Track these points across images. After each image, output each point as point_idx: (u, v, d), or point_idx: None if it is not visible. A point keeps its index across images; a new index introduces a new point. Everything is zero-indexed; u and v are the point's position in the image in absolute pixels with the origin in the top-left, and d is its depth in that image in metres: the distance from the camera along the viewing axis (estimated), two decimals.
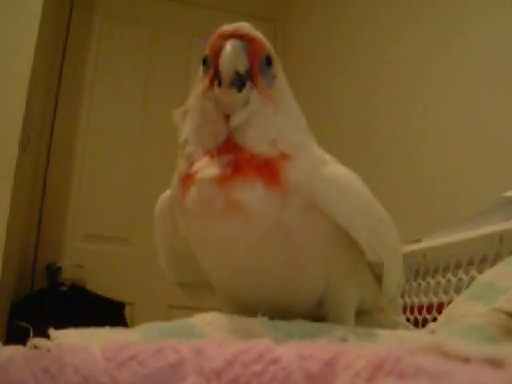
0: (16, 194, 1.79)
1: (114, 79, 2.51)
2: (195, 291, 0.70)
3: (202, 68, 0.58)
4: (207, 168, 0.52)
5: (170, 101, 2.55)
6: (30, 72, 1.82)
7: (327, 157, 0.59)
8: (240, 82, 0.52)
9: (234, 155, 0.52)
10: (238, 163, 0.52)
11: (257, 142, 0.53)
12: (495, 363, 0.24)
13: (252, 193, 0.51)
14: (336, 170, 0.57)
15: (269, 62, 0.56)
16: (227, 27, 0.54)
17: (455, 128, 1.42)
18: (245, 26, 0.54)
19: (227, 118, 0.53)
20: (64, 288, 2.16)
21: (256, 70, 0.54)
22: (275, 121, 0.55)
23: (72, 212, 2.35)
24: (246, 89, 0.53)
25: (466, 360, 0.25)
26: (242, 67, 0.52)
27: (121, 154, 2.46)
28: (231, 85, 0.52)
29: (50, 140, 2.38)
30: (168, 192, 0.62)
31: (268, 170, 0.52)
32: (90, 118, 2.46)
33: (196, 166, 0.53)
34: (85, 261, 2.27)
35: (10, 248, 1.80)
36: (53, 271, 2.22)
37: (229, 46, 0.52)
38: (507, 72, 1.26)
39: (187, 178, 0.54)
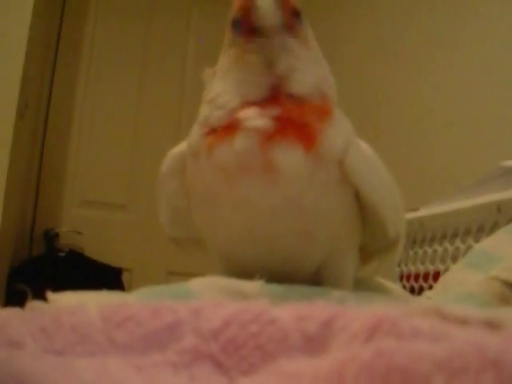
0: (13, 160, 1.79)
1: (113, 44, 2.49)
2: (188, 247, 0.70)
3: (230, 32, 0.56)
4: (254, 119, 0.51)
5: (168, 67, 2.53)
6: (27, 37, 1.81)
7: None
8: (278, 31, 0.52)
9: (280, 108, 0.51)
10: (283, 119, 0.51)
11: (306, 88, 0.52)
12: (493, 326, 0.24)
13: (291, 157, 0.51)
14: (364, 146, 0.57)
15: (298, 13, 0.55)
16: None
17: (455, 97, 1.41)
18: None
19: (269, 68, 0.52)
20: (62, 254, 2.17)
21: (291, 20, 0.54)
22: (317, 67, 0.55)
23: (70, 178, 2.35)
24: (285, 36, 0.53)
25: (463, 322, 0.25)
26: (278, 18, 0.52)
27: (119, 119, 2.44)
28: (271, 34, 0.52)
29: (48, 106, 2.36)
30: (179, 148, 0.61)
31: (307, 132, 0.52)
32: (88, 84, 2.44)
33: (240, 116, 0.52)
34: (83, 227, 2.27)
35: (7, 214, 1.80)
36: (50, 237, 2.22)
37: (261, 1, 0.51)
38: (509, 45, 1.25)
39: (223, 128, 0.52)
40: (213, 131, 0.53)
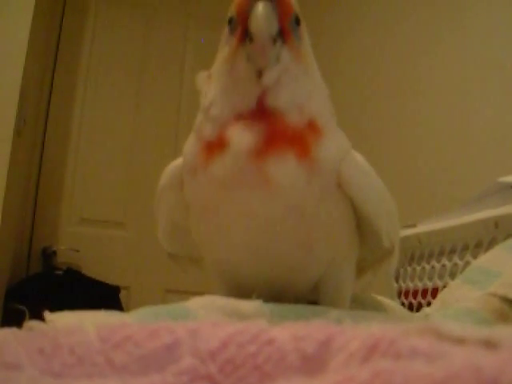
0: (11, 177, 1.78)
1: (110, 63, 2.50)
2: (186, 264, 0.70)
3: (226, 29, 0.56)
4: (242, 137, 0.51)
5: (165, 85, 2.54)
6: (24, 56, 1.81)
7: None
8: (271, 41, 0.52)
9: (267, 124, 0.51)
10: (272, 135, 0.51)
11: (288, 104, 0.52)
12: (490, 345, 0.24)
13: (285, 168, 0.51)
14: (358, 156, 0.58)
15: (298, 21, 0.55)
16: None
17: (452, 113, 1.42)
18: None
19: (259, 77, 0.52)
20: (59, 272, 2.16)
21: (287, 29, 0.53)
22: (306, 82, 0.55)
23: (67, 196, 2.35)
24: (278, 45, 0.52)
25: (460, 341, 0.25)
26: (274, 29, 0.52)
27: (116, 138, 2.45)
28: (264, 43, 0.51)
29: (45, 124, 2.37)
30: (177, 161, 0.61)
31: (300, 143, 0.52)
32: (85, 102, 2.44)
33: (229, 133, 0.52)
34: (80, 245, 2.27)
35: (5, 232, 1.80)
36: (48, 255, 2.22)
37: (260, 8, 0.50)
38: (505, 59, 1.26)
39: (215, 144, 0.53)
40: (207, 145, 0.54)
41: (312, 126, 0.53)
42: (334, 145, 0.55)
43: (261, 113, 0.52)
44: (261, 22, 0.50)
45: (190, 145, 0.57)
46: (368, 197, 0.56)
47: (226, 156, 0.52)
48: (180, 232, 0.65)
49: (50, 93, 2.40)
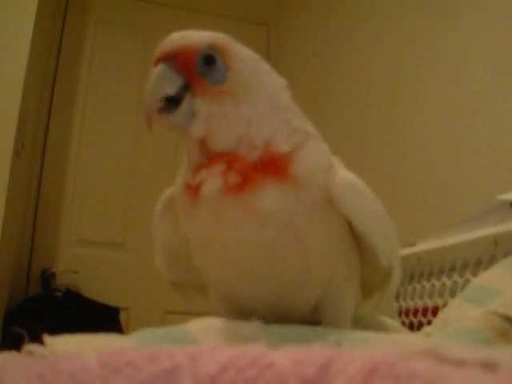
0: (10, 199, 1.79)
1: (108, 85, 2.51)
2: (187, 291, 0.70)
3: None
4: (208, 181, 0.53)
5: None
6: (23, 78, 1.82)
7: (324, 146, 0.59)
8: (174, 101, 0.53)
9: (225, 162, 0.53)
10: (244, 171, 0.52)
11: (228, 142, 0.53)
12: (489, 366, 0.24)
13: (267, 195, 0.52)
14: (349, 174, 0.58)
15: (208, 61, 0.55)
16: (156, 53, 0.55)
17: (450, 131, 1.42)
18: (165, 45, 0.55)
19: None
20: (59, 294, 2.16)
21: (195, 77, 0.54)
22: (239, 112, 0.54)
23: (66, 217, 2.35)
24: (186, 100, 0.53)
25: (460, 364, 0.25)
26: (170, 90, 0.53)
27: (115, 159, 2.45)
28: (160, 112, 0.53)
29: (44, 146, 2.38)
30: (171, 189, 0.62)
31: (275, 166, 0.53)
32: (84, 123, 2.45)
33: (196, 180, 0.54)
34: (79, 266, 2.26)
35: (4, 254, 1.80)
36: (47, 277, 2.21)
37: (151, 77, 0.54)
38: (503, 74, 1.27)
39: (193, 188, 0.54)
40: (188, 187, 0.55)
41: (273, 151, 0.54)
42: (310, 159, 0.55)
43: (212, 159, 0.54)
44: (147, 93, 0.53)
45: (180, 178, 0.58)
46: (362, 215, 0.56)
47: (202, 199, 0.53)
48: (178, 259, 0.65)
49: (49, 115, 2.41)
